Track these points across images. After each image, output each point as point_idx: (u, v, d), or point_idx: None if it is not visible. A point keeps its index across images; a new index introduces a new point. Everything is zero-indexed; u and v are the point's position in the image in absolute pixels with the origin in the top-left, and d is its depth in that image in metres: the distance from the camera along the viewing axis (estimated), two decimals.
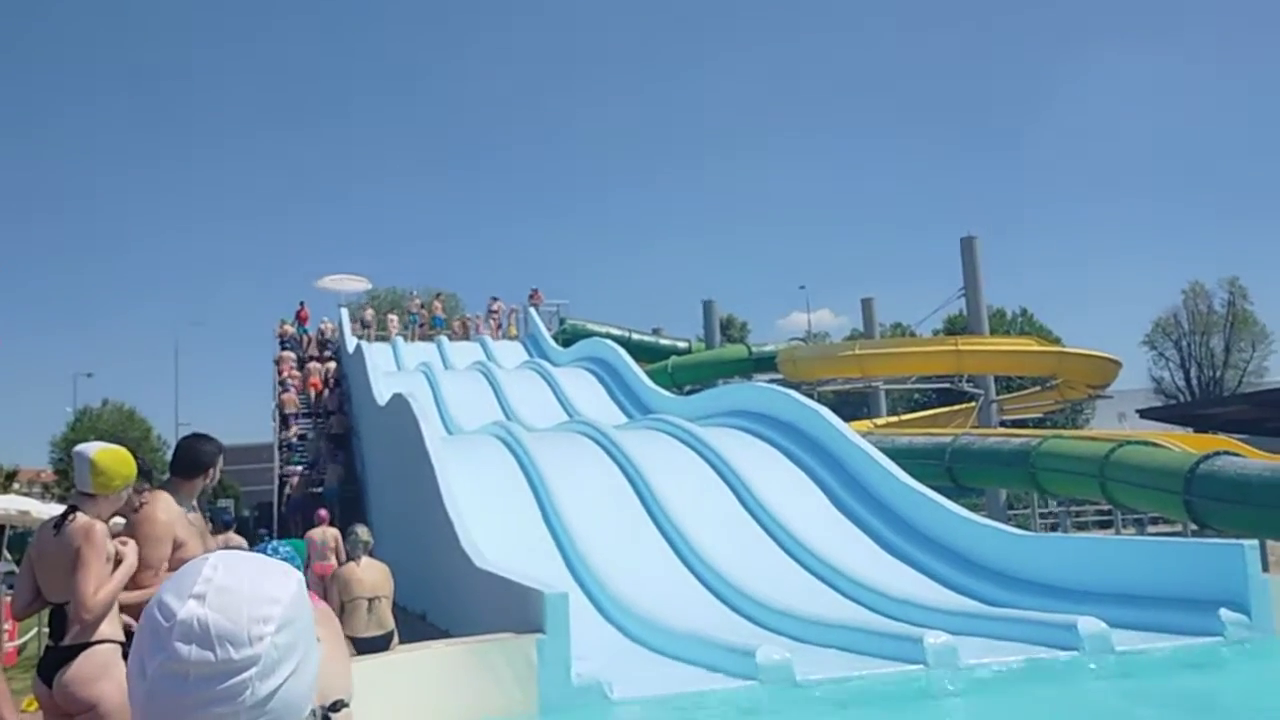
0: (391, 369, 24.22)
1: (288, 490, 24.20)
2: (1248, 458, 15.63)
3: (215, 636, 0.97)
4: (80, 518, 4.34)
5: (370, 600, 8.48)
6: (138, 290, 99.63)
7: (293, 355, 29.00)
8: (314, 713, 1.09)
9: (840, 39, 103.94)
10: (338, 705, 1.15)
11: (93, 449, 4.57)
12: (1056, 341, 37.52)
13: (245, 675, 0.98)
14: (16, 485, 40.63)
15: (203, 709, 0.97)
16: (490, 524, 11.64)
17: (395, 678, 7.11)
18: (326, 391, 27.05)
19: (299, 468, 24.72)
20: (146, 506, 4.72)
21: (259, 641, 0.99)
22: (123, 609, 4.41)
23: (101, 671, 4.12)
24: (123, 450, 4.62)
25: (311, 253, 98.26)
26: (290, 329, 30.49)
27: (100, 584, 4.17)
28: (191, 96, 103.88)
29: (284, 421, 27.02)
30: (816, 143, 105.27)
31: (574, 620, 8.09)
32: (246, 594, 1.01)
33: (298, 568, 3.10)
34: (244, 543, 9.58)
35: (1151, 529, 21.61)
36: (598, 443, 14.64)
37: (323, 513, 16.43)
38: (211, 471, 5.03)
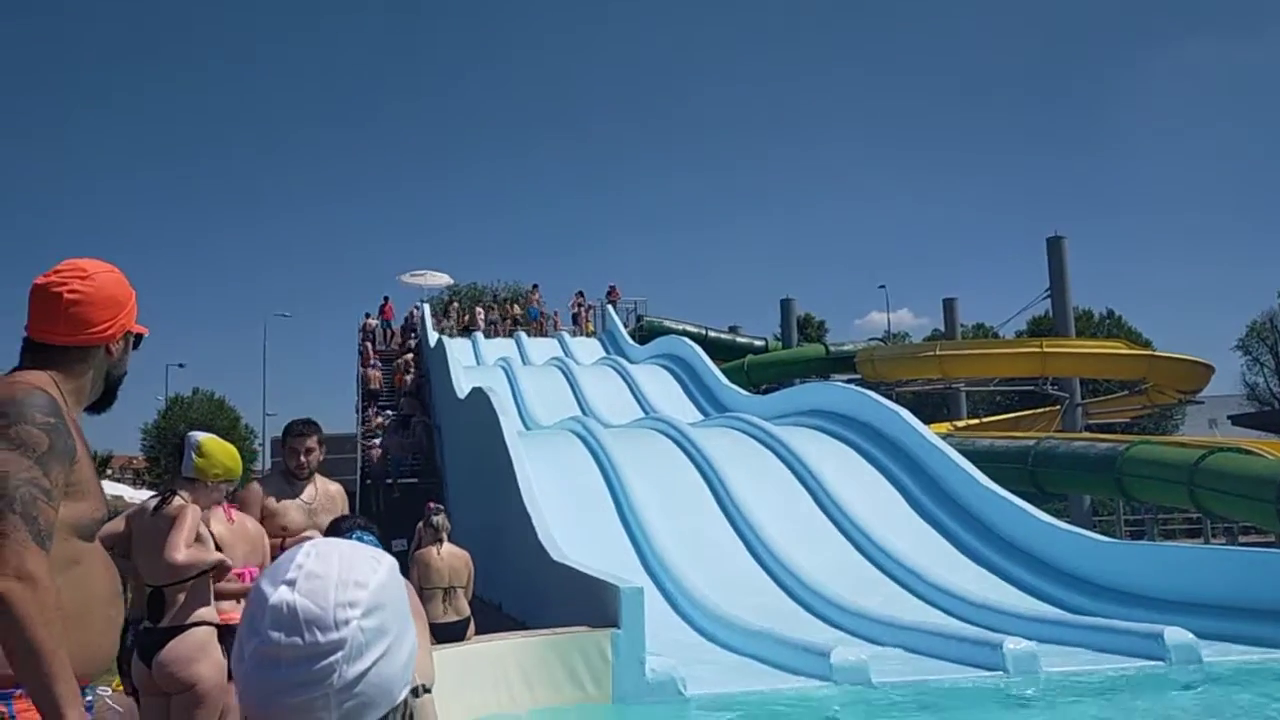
0: (471, 363, 24.59)
1: (367, 465, 24.85)
2: None
3: (303, 621, 1.01)
4: (178, 499, 4.52)
5: (447, 590, 8.59)
6: (227, 281, 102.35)
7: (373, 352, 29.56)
8: (412, 692, 1.12)
9: (925, 36, 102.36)
10: (419, 691, 1.18)
11: (202, 434, 4.78)
12: (1146, 345, 36.53)
13: (332, 659, 1.01)
14: (109, 471, 42.09)
15: (293, 691, 1.01)
16: (567, 518, 11.75)
17: (473, 667, 7.22)
18: (407, 379, 27.61)
19: (378, 440, 25.32)
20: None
21: (345, 625, 1.02)
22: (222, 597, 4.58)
23: (199, 652, 4.28)
24: (231, 446, 4.80)
25: (394, 248, 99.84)
26: (374, 323, 31.12)
27: (189, 544, 4.34)
28: (280, 89, 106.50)
29: (366, 398, 27.59)
30: (900, 139, 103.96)
31: (648, 616, 8.14)
32: (334, 579, 1.04)
33: None
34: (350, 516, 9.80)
35: (1242, 539, 20.93)
36: (674, 440, 14.67)
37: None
38: (292, 442, 5.32)
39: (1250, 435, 30.74)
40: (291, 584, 1.03)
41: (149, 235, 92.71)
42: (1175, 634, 8.63)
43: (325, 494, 5.36)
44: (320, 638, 1.01)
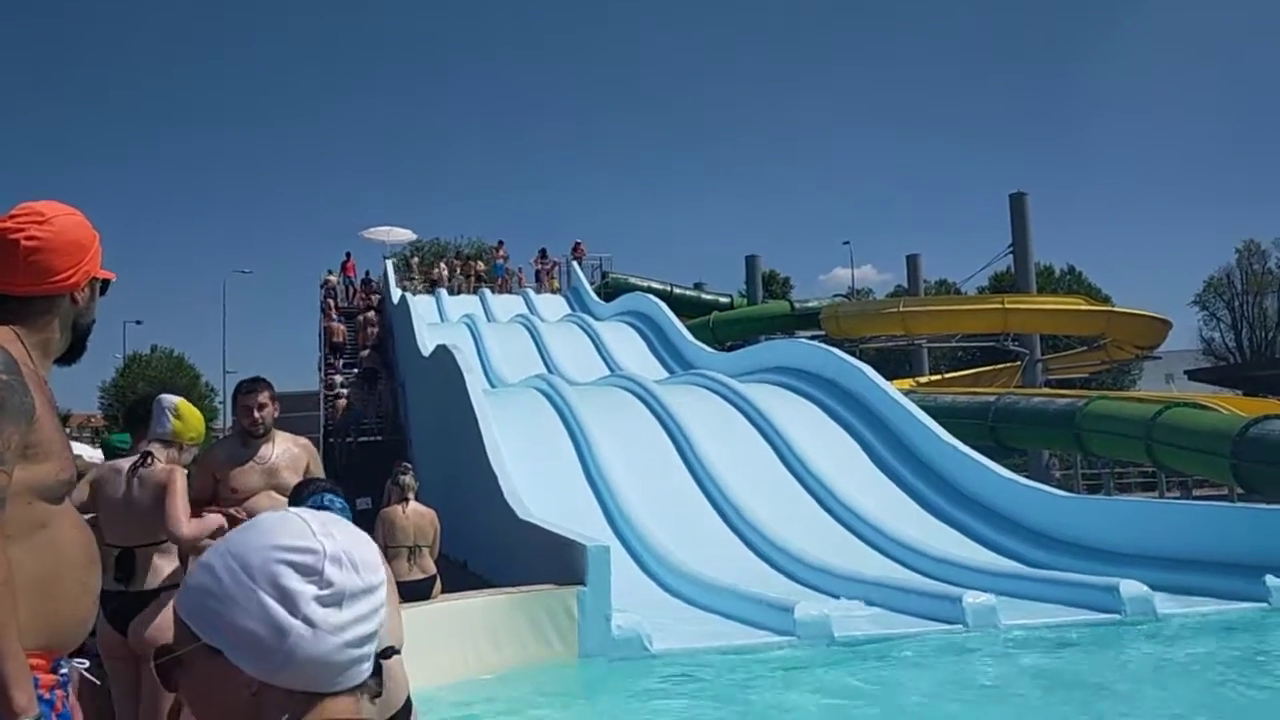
0: (435, 320, 24.43)
1: (331, 420, 24.81)
2: None
3: (360, 562, 1.08)
4: (161, 462, 4.48)
5: (412, 548, 8.57)
6: (187, 238, 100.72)
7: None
8: (382, 654, 1.14)
9: None
10: (389, 652, 1.19)
11: (173, 397, 4.73)
12: (1105, 301, 36.95)
13: (379, 598, 1.10)
14: (67, 430, 41.41)
15: (353, 628, 1.06)
16: (532, 476, 11.76)
17: (440, 625, 7.24)
18: (371, 333, 27.43)
19: (344, 391, 25.26)
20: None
21: (379, 569, 1.11)
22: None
23: None
24: (199, 412, 4.79)
25: (357, 205, 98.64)
26: (335, 279, 30.79)
27: (186, 511, 4.31)
28: (241, 43, 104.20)
29: (330, 351, 27.35)
30: (863, 97, 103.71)
31: (614, 573, 8.18)
32: (353, 532, 1.12)
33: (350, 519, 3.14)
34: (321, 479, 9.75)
35: (1196, 493, 21.36)
36: (639, 397, 14.69)
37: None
38: (243, 399, 5.19)
39: (1206, 390, 31.28)
40: (331, 536, 1.08)
41: (101, 187, 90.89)
42: (1130, 587, 8.81)
43: (288, 452, 5.18)
44: (373, 579, 1.09)
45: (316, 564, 1.06)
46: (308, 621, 1.04)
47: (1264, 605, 8.77)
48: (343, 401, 24.75)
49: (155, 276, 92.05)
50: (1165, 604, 8.79)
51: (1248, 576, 9.02)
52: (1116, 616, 8.61)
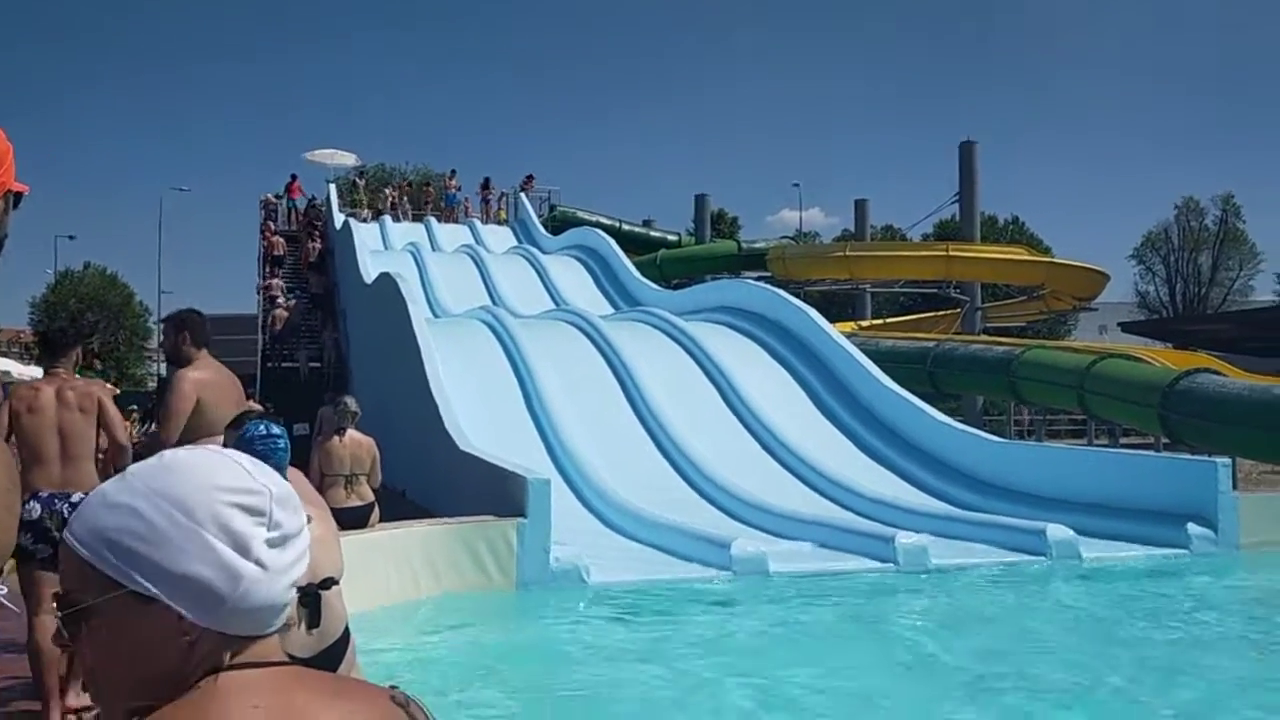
0: (378, 247, 24.05)
1: (274, 327, 24.64)
2: (1227, 376, 15.80)
3: (295, 501, 1.07)
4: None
5: (350, 476, 8.50)
6: (123, 153, 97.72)
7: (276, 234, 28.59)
8: (321, 585, 1.12)
9: None
10: (327, 583, 1.17)
11: None
12: (1046, 251, 37.43)
13: (308, 534, 1.09)
14: None
15: (294, 568, 1.04)
16: (474, 407, 11.71)
17: (378, 555, 7.23)
18: (313, 247, 26.99)
19: (284, 302, 25.00)
20: None
21: (301, 508, 1.09)
22: None
23: None
24: None
25: (302, 127, 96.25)
26: (275, 200, 30.04)
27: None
28: None
29: (270, 264, 26.88)
30: (818, 41, 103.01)
31: (554, 506, 8.22)
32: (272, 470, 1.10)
33: (284, 453, 3.08)
34: (260, 409, 9.65)
35: (1123, 440, 21.94)
36: (584, 333, 14.65)
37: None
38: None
39: (1138, 342, 32.02)
40: (267, 473, 1.07)
41: (34, 100, 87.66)
42: (1057, 530, 9.06)
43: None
44: (303, 517, 1.08)
45: (263, 505, 1.03)
46: (260, 564, 1.01)
47: (1184, 552, 9.08)
48: (280, 312, 24.42)
49: (90, 191, 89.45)
50: (1090, 548, 9.06)
51: (1170, 524, 9.32)
52: (1042, 559, 8.86)
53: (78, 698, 4.65)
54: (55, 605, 1.02)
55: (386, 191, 31.60)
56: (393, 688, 1.08)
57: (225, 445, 2.44)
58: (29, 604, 4.63)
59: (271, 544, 1.02)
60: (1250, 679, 5.90)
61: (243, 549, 1.00)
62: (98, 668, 1.01)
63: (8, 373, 15.12)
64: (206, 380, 4.82)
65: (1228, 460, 10.14)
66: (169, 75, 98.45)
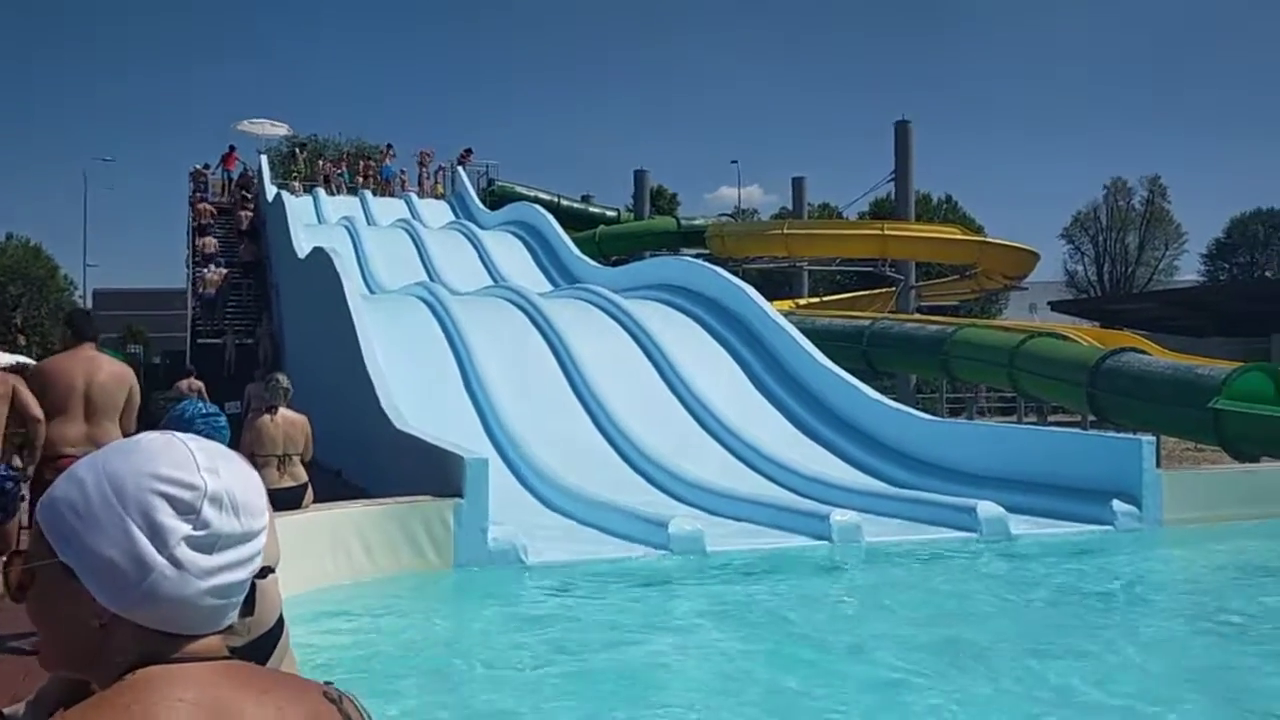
0: (312, 221, 23.63)
1: (201, 290, 24.40)
2: (1152, 355, 16.19)
3: (242, 505, 1.03)
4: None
5: (282, 457, 8.35)
6: (45, 123, 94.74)
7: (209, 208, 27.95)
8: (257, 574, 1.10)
9: None
10: (264, 571, 1.14)
11: None
12: (979, 231, 37.99)
13: (256, 546, 1.04)
14: None
15: (221, 574, 1.00)
16: (410, 385, 11.60)
17: (313, 536, 7.14)
18: (243, 216, 26.57)
19: (214, 269, 24.76)
20: None
21: (263, 514, 1.06)
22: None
23: None
24: None
25: (231, 99, 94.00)
26: (207, 171, 29.34)
27: None
28: None
29: (200, 232, 26.40)
30: (756, 18, 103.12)
31: (492, 485, 8.18)
32: (241, 469, 1.06)
33: (226, 431, 3.03)
34: (202, 386, 9.55)
35: (1051, 418, 22.42)
36: (522, 309, 14.56)
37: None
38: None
39: (1067, 321, 32.68)
40: (214, 472, 1.03)
41: None
42: (987, 508, 9.25)
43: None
44: (253, 524, 1.04)
45: (194, 501, 1.00)
46: (173, 561, 0.98)
47: (1109, 528, 9.32)
48: (211, 275, 24.10)
49: (11, 162, 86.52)
50: (1019, 525, 9.25)
51: (1097, 501, 9.55)
52: (973, 535, 9.03)
53: None
54: (9, 561, 1.04)
55: (320, 163, 31.02)
56: (326, 684, 1.07)
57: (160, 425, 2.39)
58: None
59: (193, 543, 0.99)
60: (1174, 652, 6.08)
61: (159, 542, 0.98)
62: (37, 629, 1.04)
63: None
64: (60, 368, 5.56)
65: (1152, 438, 10.40)
66: (91, 42, 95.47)
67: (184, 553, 0.99)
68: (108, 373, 5.63)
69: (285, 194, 23.21)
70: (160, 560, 0.98)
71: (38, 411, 5.32)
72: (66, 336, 5.76)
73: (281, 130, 34.81)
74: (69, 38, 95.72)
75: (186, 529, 0.99)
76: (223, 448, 1.08)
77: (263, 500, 1.07)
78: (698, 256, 22.87)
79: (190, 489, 1.00)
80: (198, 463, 1.02)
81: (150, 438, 1.06)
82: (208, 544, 1.00)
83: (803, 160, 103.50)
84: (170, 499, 0.99)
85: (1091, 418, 16.51)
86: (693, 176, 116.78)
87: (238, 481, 1.04)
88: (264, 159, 28.62)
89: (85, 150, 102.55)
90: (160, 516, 0.99)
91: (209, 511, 1.01)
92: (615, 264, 23.15)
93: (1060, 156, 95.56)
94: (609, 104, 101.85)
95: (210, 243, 25.68)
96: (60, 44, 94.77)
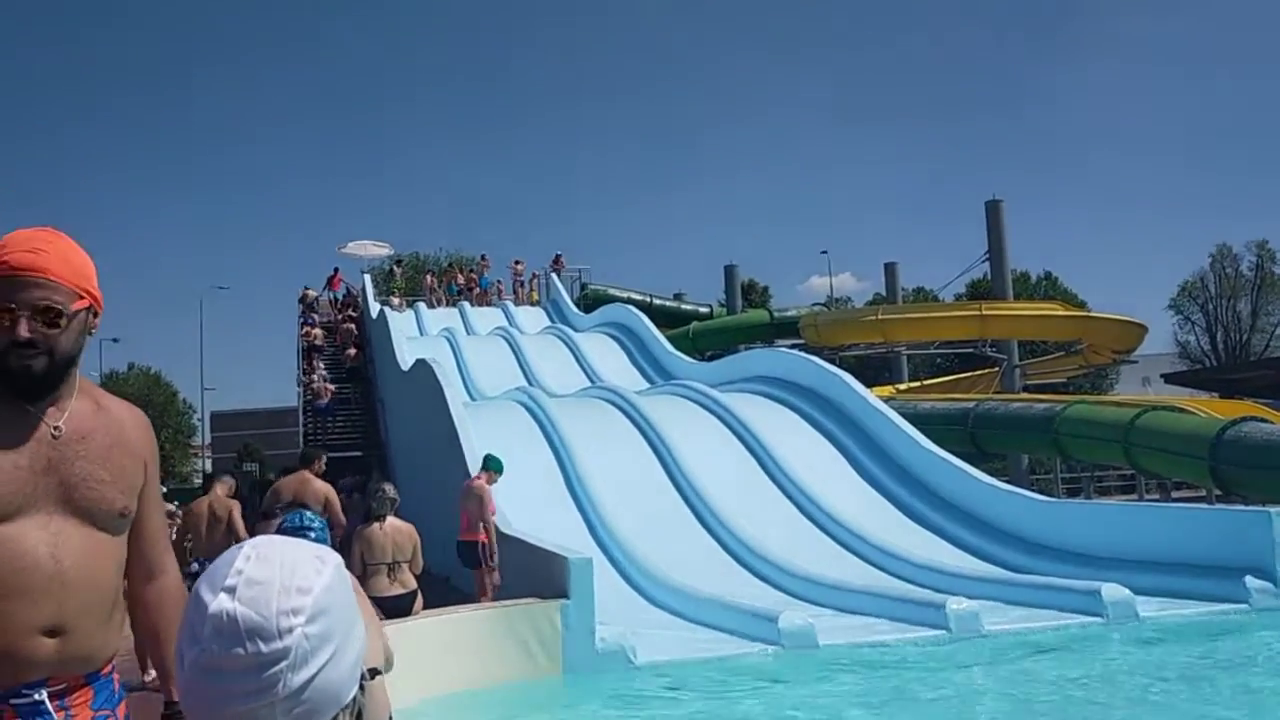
0: (414, 334, 24.32)
1: (312, 399, 25.20)
2: (1274, 423, 15.51)
3: (245, 631, 0.98)
4: None
5: (391, 565, 8.49)
6: (162, 255, 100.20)
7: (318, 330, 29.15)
8: (360, 686, 1.09)
9: (866, 2, 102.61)
10: (371, 673, 1.15)
11: None
12: (1081, 306, 37.17)
13: (276, 669, 0.98)
14: None
15: (237, 701, 0.98)
16: (514, 489, 11.69)
17: (422, 642, 7.17)
18: (348, 330, 27.64)
19: (324, 382, 25.62)
20: None
21: (288, 634, 0.99)
22: None
23: None
24: None
25: (333, 220, 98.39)
26: (314, 293, 30.50)
27: None
28: (217, 60, 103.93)
29: (309, 354, 27.48)
30: (841, 106, 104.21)
31: (598, 586, 8.13)
32: (276, 586, 1.01)
33: (325, 540, 3.11)
34: (329, 487, 9.86)
35: (1175, 494, 21.50)
36: (620, 409, 14.66)
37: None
38: None
39: (1183, 393, 31.52)
40: (231, 591, 0.99)
41: (75, 203, 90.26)
42: (1112, 590, 8.84)
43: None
44: (263, 648, 0.98)
45: (197, 629, 1.01)
46: (183, 664, 1.02)
47: (1244, 606, 8.82)
48: (323, 386, 24.91)
49: (132, 294, 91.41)
50: (1147, 607, 8.82)
51: (1228, 578, 9.07)
52: (1099, 620, 8.63)
53: None
54: None
55: (427, 278, 32.01)
56: None
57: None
58: None
59: (197, 664, 0.99)
60: None
61: (189, 639, 1.00)
62: None
63: None
64: None
65: None
66: (203, 174, 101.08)
67: (188, 670, 1.02)
68: None
69: (388, 309, 23.97)
70: (181, 680, 1.03)
71: None
72: None
73: (384, 250, 36.08)
74: (185, 174, 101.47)
75: (194, 652, 1.02)
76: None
77: (289, 620, 1.02)
78: (792, 347, 22.82)
79: (204, 619, 1.02)
80: (226, 595, 1.02)
81: (286, 550, 1.09)
82: (203, 669, 1.00)
83: (894, 245, 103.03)
84: (189, 621, 1.03)
85: (1217, 491, 15.80)
86: (784, 268, 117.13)
87: (256, 598, 1.02)
88: (367, 278, 29.70)
89: (200, 279, 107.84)
90: (182, 634, 1.03)
91: (209, 637, 1.00)
92: (710, 359, 23.23)
93: (1161, 227, 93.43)
94: (696, 202, 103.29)
95: (319, 375, 26.62)
96: (173, 181, 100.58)
